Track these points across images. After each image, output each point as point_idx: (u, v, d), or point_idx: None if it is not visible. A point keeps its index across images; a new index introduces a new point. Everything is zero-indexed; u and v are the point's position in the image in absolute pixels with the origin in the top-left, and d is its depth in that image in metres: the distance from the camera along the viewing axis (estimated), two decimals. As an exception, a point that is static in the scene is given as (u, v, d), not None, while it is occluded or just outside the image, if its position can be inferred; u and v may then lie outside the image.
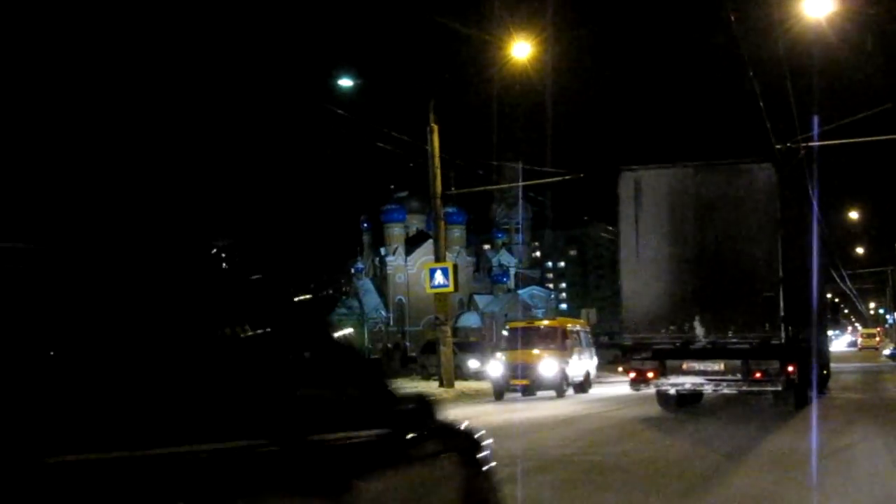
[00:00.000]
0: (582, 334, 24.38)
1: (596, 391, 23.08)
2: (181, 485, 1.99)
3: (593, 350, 25.11)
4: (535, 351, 21.44)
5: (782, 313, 13.46)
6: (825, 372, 19.19)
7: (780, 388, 13.74)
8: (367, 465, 2.81)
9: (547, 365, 21.06)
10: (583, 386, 22.74)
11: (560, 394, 21.09)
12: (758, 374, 13.55)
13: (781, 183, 14.02)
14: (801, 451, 9.95)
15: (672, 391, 14.51)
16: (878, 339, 70.46)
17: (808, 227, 17.07)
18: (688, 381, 14.05)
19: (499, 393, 21.26)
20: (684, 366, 14.00)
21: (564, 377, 21.40)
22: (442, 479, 3.38)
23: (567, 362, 21.73)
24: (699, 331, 13.83)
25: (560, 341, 22.06)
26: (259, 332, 2.70)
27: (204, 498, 2.04)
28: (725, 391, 14.40)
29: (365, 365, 3.59)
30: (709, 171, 14.41)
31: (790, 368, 13.69)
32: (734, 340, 13.76)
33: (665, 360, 14.09)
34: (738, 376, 13.69)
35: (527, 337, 22.34)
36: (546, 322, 26.28)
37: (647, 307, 14.38)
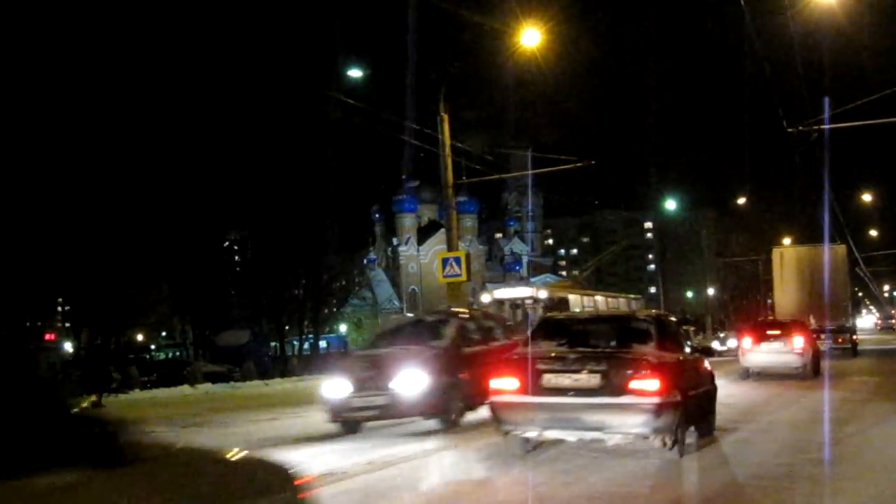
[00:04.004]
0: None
1: None
2: None
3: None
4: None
5: (850, 312, 30.94)
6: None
7: (849, 346, 29.69)
8: None
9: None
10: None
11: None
12: (840, 340, 29.44)
13: (849, 254, 34.26)
14: (816, 437, 10.01)
15: None
16: (893, 321, 73.37)
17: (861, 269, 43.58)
18: None
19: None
20: None
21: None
22: None
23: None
24: (812, 321, 27.01)
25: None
26: None
27: None
28: (823, 348, 24.41)
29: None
30: (815, 249, 31.74)
31: (853, 338, 31.32)
32: (829, 325, 28.33)
33: None
34: (830, 341, 27.06)
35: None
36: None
37: (784, 309, 29.85)
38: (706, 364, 10.59)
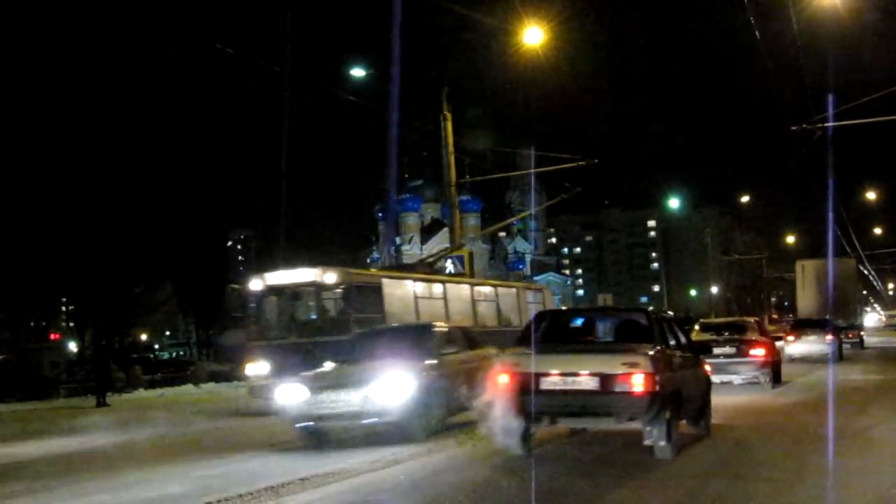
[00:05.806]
0: None
1: None
2: None
3: None
4: None
5: (859, 312, 43.37)
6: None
7: (857, 341, 34.59)
8: None
9: None
10: None
11: None
12: (850, 335, 33.81)
13: (858, 265, 45.20)
14: (822, 428, 10.03)
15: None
16: None
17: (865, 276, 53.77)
18: None
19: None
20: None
21: None
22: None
23: None
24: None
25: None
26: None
27: None
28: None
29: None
30: (827, 260, 37.47)
31: (861, 333, 36.69)
32: (840, 323, 32.10)
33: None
34: (843, 336, 30.74)
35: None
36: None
37: (805, 310, 36.56)
38: (777, 343, 20.39)
